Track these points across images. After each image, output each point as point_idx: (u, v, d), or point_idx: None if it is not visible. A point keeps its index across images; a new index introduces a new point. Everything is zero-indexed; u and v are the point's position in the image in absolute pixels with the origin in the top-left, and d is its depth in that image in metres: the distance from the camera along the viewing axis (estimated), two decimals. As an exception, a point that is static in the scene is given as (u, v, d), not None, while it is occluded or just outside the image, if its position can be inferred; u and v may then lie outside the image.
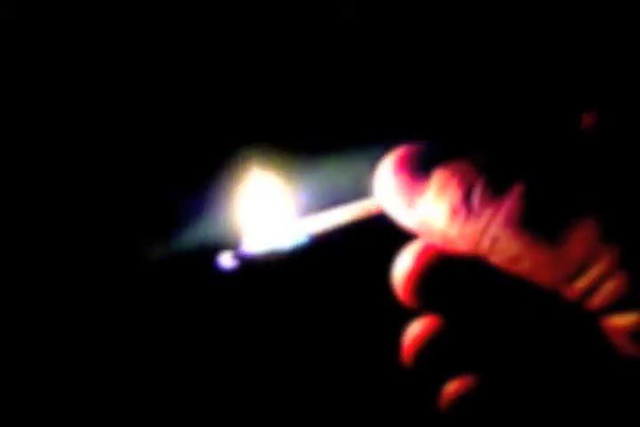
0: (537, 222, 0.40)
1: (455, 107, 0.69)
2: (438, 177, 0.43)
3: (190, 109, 0.73)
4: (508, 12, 0.70)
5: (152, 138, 0.72)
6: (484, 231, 0.41)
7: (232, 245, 0.52)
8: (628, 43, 0.66)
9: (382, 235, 0.50)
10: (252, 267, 0.51)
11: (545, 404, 0.46)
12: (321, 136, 0.70)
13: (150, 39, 0.73)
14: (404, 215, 0.45)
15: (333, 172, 0.66)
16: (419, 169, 0.44)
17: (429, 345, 0.47)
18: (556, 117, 0.46)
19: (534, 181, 0.41)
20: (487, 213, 0.41)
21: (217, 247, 0.51)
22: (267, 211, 0.55)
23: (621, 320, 0.39)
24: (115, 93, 0.74)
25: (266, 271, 0.52)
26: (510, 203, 0.41)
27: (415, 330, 0.48)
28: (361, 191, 0.50)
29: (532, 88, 0.67)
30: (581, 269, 0.39)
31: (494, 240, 0.41)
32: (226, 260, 0.50)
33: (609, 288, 0.39)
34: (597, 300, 0.40)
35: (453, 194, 0.42)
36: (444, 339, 0.47)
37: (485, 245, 0.42)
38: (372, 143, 0.64)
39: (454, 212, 0.42)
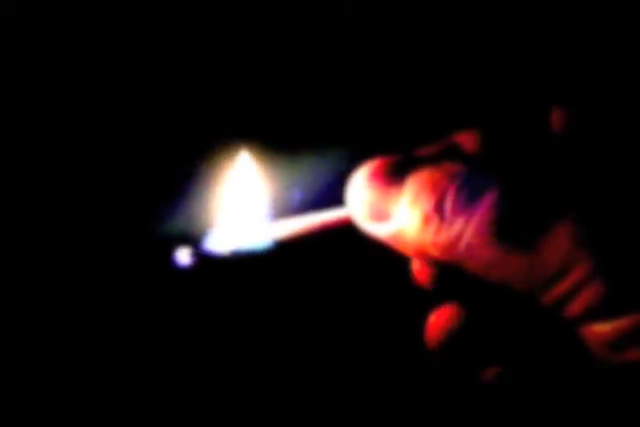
0: (510, 230, 0.40)
1: (430, 114, 0.68)
2: (411, 185, 0.43)
3: (174, 103, 0.72)
4: (481, 17, 0.70)
5: (130, 129, 0.71)
6: (457, 239, 0.41)
7: (195, 241, 0.51)
8: (597, 43, 0.66)
9: (348, 243, 0.49)
10: (211, 265, 0.50)
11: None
12: (301, 139, 0.69)
13: (138, 31, 0.72)
14: (374, 227, 0.45)
15: (307, 178, 0.65)
16: (392, 177, 0.44)
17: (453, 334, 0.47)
18: (527, 123, 0.46)
19: (507, 189, 0.41)
20: (460, 220, 0.41)
21: (179, 242, 0.49)
22: (236, 211, 0.54)
23: (599, 329, 0.39)
24: (100, 85, 0.73)
25: (225, 271, 0.51)
26: (483, 211, 0.40)
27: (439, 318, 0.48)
28: (333, 199, 0.49)
29: (503, 94, 0.67)
30: (557, 277, 0.39)
31: (468, 248, 0.41)
32: (183, 256, 0.49)
33: (585, 296, 0.39)
34: (574, 308, 0.39)
35: (426, 202, 0.42)
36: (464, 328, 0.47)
37: (459, 252, 0.41)
38: (347, 152, 0.63)
39: (427, 219, 0.42)
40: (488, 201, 0.41)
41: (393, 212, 0.44)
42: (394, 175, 0.44)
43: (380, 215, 0.44)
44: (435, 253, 0.42)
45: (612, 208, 0.40)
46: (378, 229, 0.45)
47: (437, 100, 0.69)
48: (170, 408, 0.71)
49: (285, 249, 0.51)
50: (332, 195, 0.50)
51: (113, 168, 0.70)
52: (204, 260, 0.49)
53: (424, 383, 0.70)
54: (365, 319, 0.71)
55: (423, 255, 0.44)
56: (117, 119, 0.71)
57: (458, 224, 0.41)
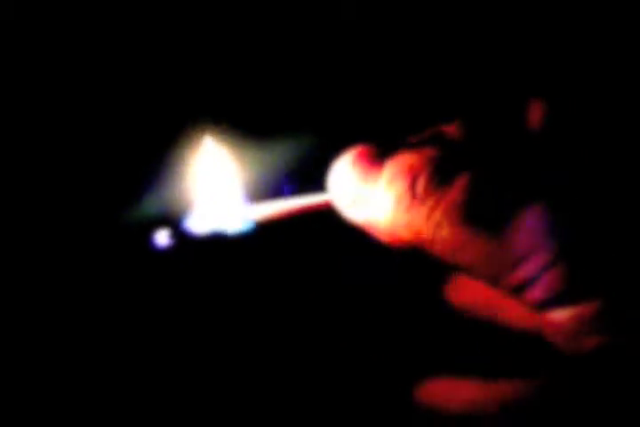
0: (479, 214, 0.41)
1: (411, 102, 0.69)
2: (388, 168, 0.44)
3: (147, 86, 0.72)
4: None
5: (105, 113, 0.71)
6: (426, 218, 0.42)
7: (174, 222, 0.51)
8: (576, 36, 0.67)
9: (327, 227, 0.49)
10: (190, 246, 0.50)
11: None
12: (279, 124, 0.69)
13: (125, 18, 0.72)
14: (353, 210, 0.46)
15: (288, 161, 0.65)
16: (373, 163, 0.45)
17: None
18: (507, 115, 0.47)
19: (479, 174, 0.42)
20: (430, 201, 0.42)
21: (158, 223, 0.49)
22: (216, 192, 0.54)
23: (557, 315, 0.40)
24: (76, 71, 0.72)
25: (203, 252, 0.51)
26: (454, 193, 0.42)
27: None
28: (315, 183, 0.50)
29: (482, 81, 0.68)
30: (520, 261, 0.40)
31: (437, 228, 0.42)
32: (162, 237, 0.49)
33: (546, 281, 0.39)
34: (535, 293, 0.40)
35: (400, 183, 0.43)
36: None
37: (428, 233, 0.42)
38: (327, 138, 0.64)
39: (399, 199, 0.43)
40: (460, 184, 0.42)
41: (371, 193, 0.45)
42: (375, 161, 0.45)
43: (360, 200, 0.46)
44: (405, 235, 0.44)
45: (579, 198, 0.41)
46: (356, 214, 0.46)
47: (422, 90, 0.69)
48: (151, 396, 0.71)
49: (265, 231, 0.52)
50: (313, 180, 0.50)
51: (90, 151, 0.70)
52: (183, 241, 0.49)
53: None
54: (345, 302, 0.71)
55: (396, 240, 0.45)
56: (93, 103, 0.71)
57: (428, 204, 0.42)
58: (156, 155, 0.67)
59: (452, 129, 0.47)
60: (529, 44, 0.68)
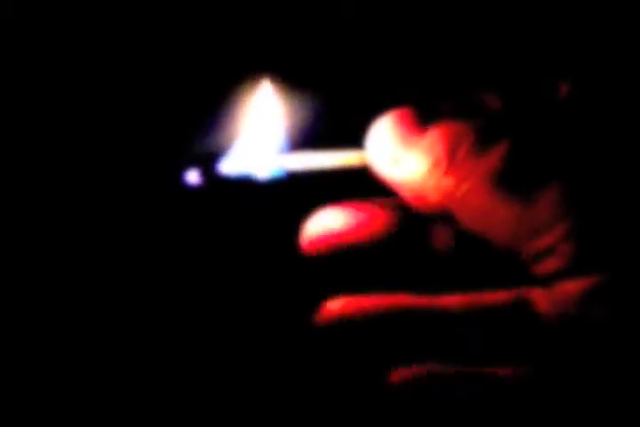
0: (511, 181, 0.43)
1: (450, 75, 0.68)
2: (431, 134, 0.45)
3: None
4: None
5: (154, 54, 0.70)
6: (460, 183, 0.44)
7: (209, 162, 0.51)
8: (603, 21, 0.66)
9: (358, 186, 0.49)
10: (220, 187, 0.50)
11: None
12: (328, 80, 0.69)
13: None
14: (389, 169, 0.47)
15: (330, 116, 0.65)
16: (416, 126, 0.46)
17: None
18: (544, 89, 0.47)
19: (517, 145, 0.44)
20: (468, 166, 0.44)
21: (191, 163, 0.50)
22: (255, 137, 0.53)
23: (567, 286, 0.42)
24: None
25: (233, 194, 0.51)
26: (491, 160, 0.44)
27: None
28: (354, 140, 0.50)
29: (523, 58, 0.67)
30: (541, 231, 0.42)
31: (468, 193, 0.44)
32: (193, 176, 0.49)
33: (560, 252, 0.42)
34: (549, 263, 0.42)
35: (440, 148, 0.45)
36: None
37: (460, 197, 0.44)
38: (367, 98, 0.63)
39: (437, 163, 0.45)
40: (498, 152, 0.44)
41: (408, 155, 0.46)
42: (418, 124, 0.46)
43: (397, 160, 0.47)
44: (436, 199, 0.45)
45: (602, 176, 0.43)
46: (391, 173, 0.47)
47: (457, 61, 0.69)
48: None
49: (296, 181, 0.52)
50: (350, 136, 0.50)
51: (132, 88, 0.70)
52: (214, 181, 0.50)
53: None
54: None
55: (425, 203, 0.46)
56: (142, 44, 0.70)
57: (465, 170, 0.44)
58: (203, 95, 0.67)
59: (488, 97, 0.47)
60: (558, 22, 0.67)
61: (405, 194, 0.47)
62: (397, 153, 0.46)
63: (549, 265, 0.42)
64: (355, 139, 0.50)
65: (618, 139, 0.45)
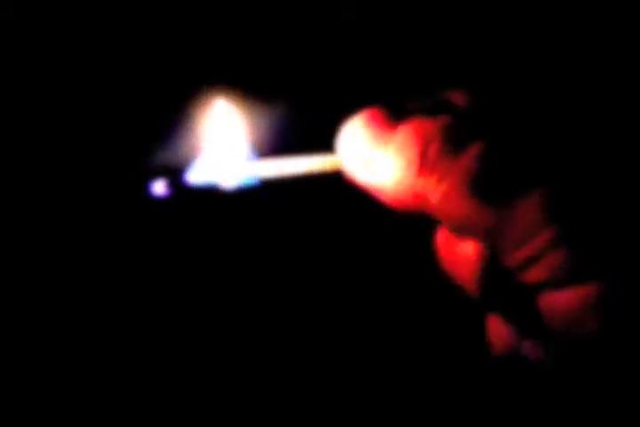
0: (488, 186, 0.40)
1: (420, 72, 0.68)
2: (401, 133, 0.43)
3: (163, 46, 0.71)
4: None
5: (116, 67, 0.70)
6: (435, 186, 0.42)
7: (175, 172, 0.49)
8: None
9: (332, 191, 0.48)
10: (188, 197, 0.48)
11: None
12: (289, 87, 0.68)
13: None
14: (361, 172, 0.45)
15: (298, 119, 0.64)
16: (385, 126, 0.44)
17: None
18: (519, 88, 0.46)
19: (491, 145, 0.41)
20: (441, 168, 0.41)
21: (159, 173, 0.48)
22: (222, 146, 0.52)
23: (557, 297, 0.39)
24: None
25: (202, 204, 0.50)
26: (465, 162, 0.41)
27: None
28: (324, 145, 0.49)
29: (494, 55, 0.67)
30: (523, 240, 0.39)
31: (444, 197, 0.41)
32: (159, 186, 0.47)
33: (548, 262, 0.39)
34: (536, 273, 0.40)
35: (412, 149, 0.42)
36: None
37: (436, 201, 0.42)
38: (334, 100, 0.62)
39: (409, 164, 0.42)
40: (471, 153, 0.41)
41: (381, 156, 0.44)
42: (387, 124, 0.45)
43: (369, 163, 0.45)
44: (412, 201, 0.43)
45: (583, 183, 0.40)
46: (364, 177, 0.45)
47: (428, 57, 0.68)
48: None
49: (268, 188, 0.50)
50: (322, 140, 0.49)
51: (98, 103, 0.69)
52: (182, 191, 0.48)
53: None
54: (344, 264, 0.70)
55: (402, 205, 0.44)
56: (104, 58, 0.70)
57: (438, 172, 0.41)
58: (166, 107, 0.66)
59: (459, 96, 0.45)
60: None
61: (381, 197, 0.45)
62: (369, 155, 0.44)
63: (535, 275, 0.40)
64: (326, 143, 0.48)
65: (601, 141, 0.42)
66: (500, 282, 0.43)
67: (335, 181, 0.48)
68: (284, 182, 0.49)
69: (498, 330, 0.45)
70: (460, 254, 0.45)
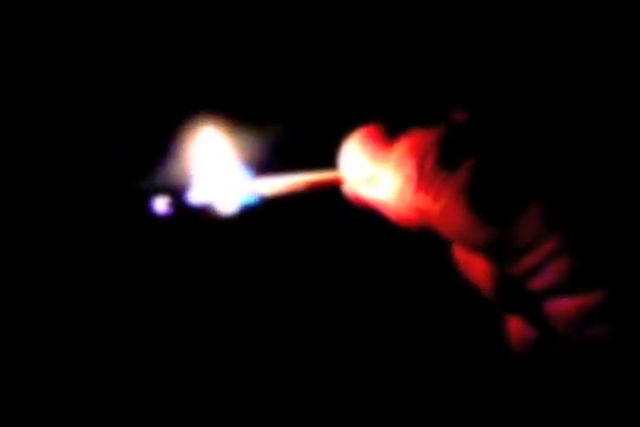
0: (485, 198, 0.41)
1: (419, 91, 0.68)
2: (397, 149, 0.44)
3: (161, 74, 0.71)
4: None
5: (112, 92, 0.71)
6: (434, 201, 0.42)
7: (177, 192, 0.49)
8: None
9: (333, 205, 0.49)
10: (188, 217, 0.49)
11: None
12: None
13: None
14: (364, 189, 0.46)
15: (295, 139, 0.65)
16: (383, 142, 0.45)
17: None
18: (515, 103, 0.46)
19: (485, 159, 0.41)
20: (438, 183, 0.42)
21: (160, 192, 0.48)
22: (221, 166, 0.52)
23: (562, 304, 0.40)
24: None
25: (204, 223, 0.50)
26: (461, 176, 0.41)
27: None
28: (326, 162, 0.49)
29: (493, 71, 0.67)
30: (526, 250, 0.40)
31: (444, 211, 0.41)
32: (161, 205, 0.47)
33: (552, 270, 0.39)
34: (540, 281, 0.40)
35: (408, 164, 0.43)
36: None
37: (435, 215, 0.42)
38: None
39: (407, 180, 0.43)
40: (466, 167, 0.41)
41: (381, 175, 0.44)
42: (385, 140, 0.45)
43: (371, 180, 0.45)
44: (413, 216, 0.43)
45: (583, 191, 0.40)
46: (367, 193, 0.46)
47: (428, 78, 0.69)
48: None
49: (270, 206, 0.50)
50: (323, 157, 0.49)
51: (99, 125, 0.70)
52: (182, 210, 0.48)
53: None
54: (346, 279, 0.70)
55: (404, 220, 0.44)
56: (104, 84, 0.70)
57: (435, 186, 0.42)
58: (163, 132, 0.66)
59: (456, 113, 0.46)
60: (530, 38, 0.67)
61: (386, 213, 0.45)
62: (371, 172, 0.45)
63: (538, 284, 0.40)
64: (326, 159, 0.49)
65: (595, 151, 0.42)
66: (512, 289, 0.43)
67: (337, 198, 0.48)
68: (287, 201, 0.50)
69: (517, 330, 0.46)
70: (474, 264, 0.46)
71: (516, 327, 0.46)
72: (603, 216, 0.40)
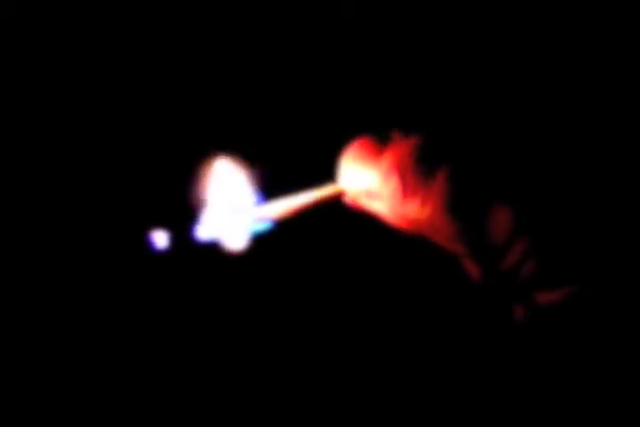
0: (464, 203, 0.43)
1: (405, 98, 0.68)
2: (382, 165, 0.45)
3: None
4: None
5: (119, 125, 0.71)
6: (420, 211, 0.43)
7: (182, 227, 0.49)
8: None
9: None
10: (192, 251, 0.48)
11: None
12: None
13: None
14: (364, 201, 0.47)
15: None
16: (374, 154, 0.46)
17: None
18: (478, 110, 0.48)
19: (458, 167, 0.43)
20: (420, 193, 0.43)
21: (163, 227, 0.48)
22: (227, 197, 0.52)
23: (544, 298, 0.42)
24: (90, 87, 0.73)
25: (212, 256, 0.49)
26: (438, 185, 0.43)
27: None
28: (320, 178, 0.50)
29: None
30: (503, 251, 0.42)
31: (430, 219, 0.43)
32: (160, 239, 0.47)
33: (526, 269, 0.42)
34: (520, 277, 0.42)
35: (392, 179, 0.44)
36: None
37: (425, 225, 0.44)
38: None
39: (393, 194, 0.44)
40: (442, 176, 0.43)
41: (376, 187, 0.46)
42: (376, 151, 0.46)
43: (367, 192, 0.46)
44: (407, 225, 0.45)
45: (549, 197, 0.42)
46: (366, 205, 0.47)
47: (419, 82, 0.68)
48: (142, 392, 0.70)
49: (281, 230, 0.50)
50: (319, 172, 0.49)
51: (103, 160, 0.70)
52: (184, 245, 0.48)
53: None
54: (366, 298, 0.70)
55: (404, 229, 0.46)
56: (108, 116, 0.71)
57: (419, 197, 0.43)
58: (171, 164, 0.66)
59: (431, 126, 0.47)
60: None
61: (385, 221, 0.47)
62: (367, 185, 0.46)
63: (519, 279, 0.42)
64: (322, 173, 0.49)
65: (564, 155, 0.44)
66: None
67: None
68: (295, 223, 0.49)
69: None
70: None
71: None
72: (567, 220, 0.42)
